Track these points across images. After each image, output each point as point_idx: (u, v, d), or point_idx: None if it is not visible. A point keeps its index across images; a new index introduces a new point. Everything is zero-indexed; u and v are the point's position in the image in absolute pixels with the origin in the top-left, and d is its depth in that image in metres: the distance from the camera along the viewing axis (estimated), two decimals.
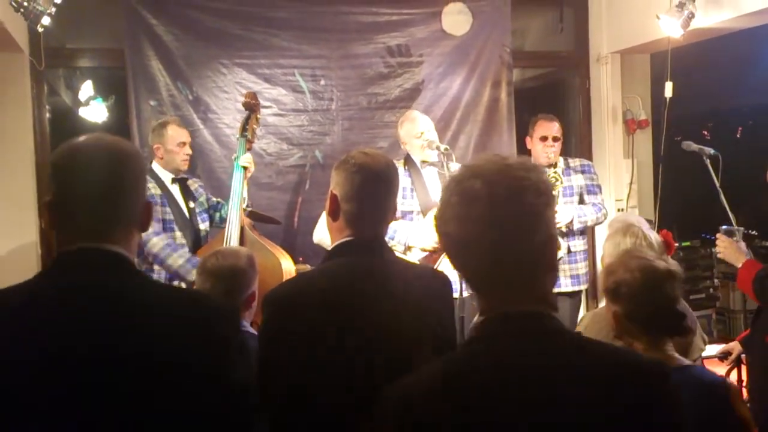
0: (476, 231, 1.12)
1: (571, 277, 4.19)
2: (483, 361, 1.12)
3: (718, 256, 3.07)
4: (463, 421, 1.06)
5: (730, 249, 2.98)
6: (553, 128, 4.04)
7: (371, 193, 1.75)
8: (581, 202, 4.19)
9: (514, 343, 1.12)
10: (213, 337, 1.25)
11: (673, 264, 1.89)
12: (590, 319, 2.30)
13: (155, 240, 3.45)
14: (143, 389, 1.18)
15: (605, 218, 4.13)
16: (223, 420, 1.24)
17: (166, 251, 3.43)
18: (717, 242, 3.06)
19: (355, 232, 1.74)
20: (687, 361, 1.86)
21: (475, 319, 1.19)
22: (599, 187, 4.35)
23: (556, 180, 3.86)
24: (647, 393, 1.08)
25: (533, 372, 1.09)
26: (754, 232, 3.16)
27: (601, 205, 4.22)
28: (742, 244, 3.00)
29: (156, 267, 3.50)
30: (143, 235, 3.46)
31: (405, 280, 1.74)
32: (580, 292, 4.33)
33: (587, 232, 4.53)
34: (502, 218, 1.11)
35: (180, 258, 3.42)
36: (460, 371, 1.12)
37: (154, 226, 3.49)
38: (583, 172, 4.28)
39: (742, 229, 3.14)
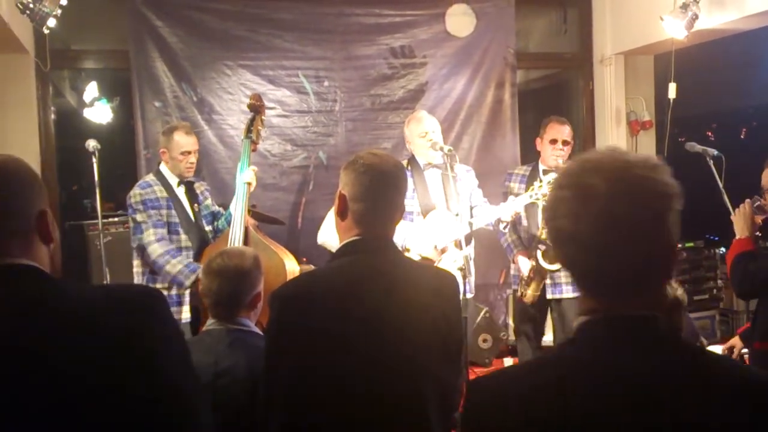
0: (591, 230, 1.05)
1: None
2: (581, 366, 1.05)
3: (732, 217, 3.05)
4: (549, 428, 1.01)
5: (742, 219, 2.96)
6: (564, 131, 4.00)
7: (379, 193, 1.76)
8: None
9: (618, 348, 1.04)
10: (140, 334, 1.21)
11: (679, 292, 1.90)
12: None
13: (155, 246, 3.46)
14: (56, 396, 1.14)
15: None
16: (153, 419, 1.19)
17: (164, 258, 3.44)
18: (740, 207, 3.02)
19: (363, 231, 1.75)
20: None
21: (578, 320, 1.12)
22: None
23: None
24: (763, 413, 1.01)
25: (638, 382, 1.02)
26: (757, 233, 3.16)
27: None
28: (758, 223, 2.99)
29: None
30: (145, 240, 3.47)
31: (412, 279, 1.75)
32: None
33: None
34: (621, 219, 1.04)
35: (179, 264, 3.43)
36: (555, 375, 1.06)
37: (157, 232, 3.49)
38: None
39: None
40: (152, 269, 3.54)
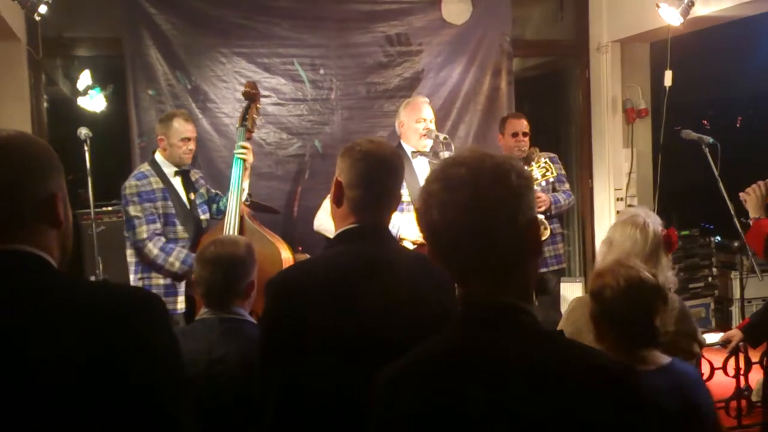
0: (459, 216, 1.13)
1: (555, 256, 4.61)
2: (444, 350, 1.17)
3: (741, 195, 3.05)
4: (414, 412, 1.11)
5: (756, 197, 2.97)
6: (523, 124, 4.45)
7: (376, 180, 1.74)
8: (554, 190, 4.54)
9: (481, 334, 1.14)
10: (126, 333, 1.15)
11: (662, 278, 1.94)
12: (577, 302, 2.34)
13: (150, 246, 3.43)
14: (45, 394, 1.11)
15: (574, 202, 4.70)
16: (142, 421, 1.15)
17: (161, 257, 3.42)
18: (752, 187, 3.02)
19: (359, 219, 1.73)
20: (668, 359, 1.88)
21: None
22: (566, 176, 4.74)
23: (547, 170, 3.91)
24: (608, 394, 1.08)
25: (493, 365, 1.10)
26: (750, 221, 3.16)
27: (570, 192, 4.64)
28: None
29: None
30: (138, 237, 3.43)
31: (408, 268, 1.74)
32: (562, 268, 4.81)
33: (563, 216, 5.03)
34: (486, 201, 1.12)
35: (176, 261, 3.42)
36: (421, 360, 1.18)
37: (150, 228, 3.45)
38: (553, 164, 4.45)
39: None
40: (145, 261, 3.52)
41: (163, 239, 3.48)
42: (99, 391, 1.12)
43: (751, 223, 2.98)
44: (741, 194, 3.06)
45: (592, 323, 1.92)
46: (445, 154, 3.61)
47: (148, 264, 3.49)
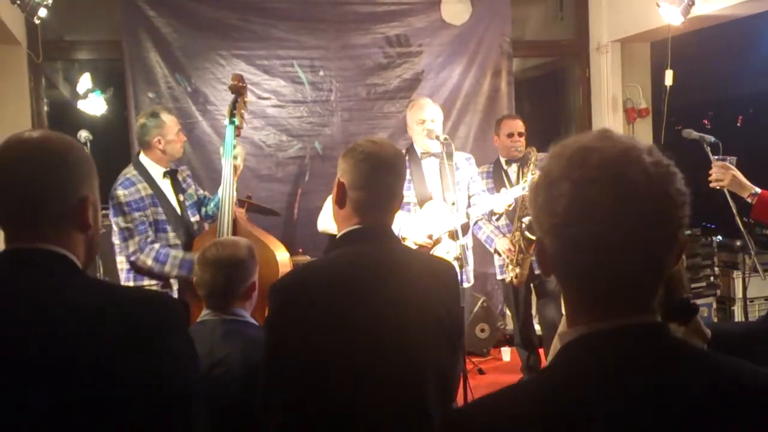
0: (594, 228, 0.91)
1: None
2: (587, 383, 0.91)
3: (715, 185, 2.99)
4: None
5: (730, 176, 2.94)
6: (518, 125, 4.34)
7: (379, 181, 1.73)
8: None
9: (632, 360, 0.91)
10: (149, 343, 1.15)
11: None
12: None
13: (143, 258, 3.27)
14: (61, 393, 1.10)
15: None
16: (154, 424, 1.15)
17: (156, 267, 3.28)
18: (714, 172, 2.99)
19: (363, 220, 1.72)
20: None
21: (562, 336, 1.00)
22: None
23: None
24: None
25: (652, 399, 0.89)
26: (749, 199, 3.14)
27: None
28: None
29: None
30: (130, 251, 3.29)
31: (412, 269, 1.73)
32: None
33: None
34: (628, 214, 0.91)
35: (173, 269, 3.29)
36: (557, 398, 0.91)
37: (141, 240, 3.28)
38: None
39: (735, 158, 3.06)
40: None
41: (156, 246, 3.31)
42: (116, 391, 1.12)
43: (751, 201, 2.93)
44: (713, 184, 3.00)
45: None
46: (453, 155, 3.62)
47: (144, 274, 3.37)
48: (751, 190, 2.91)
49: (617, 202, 0.90)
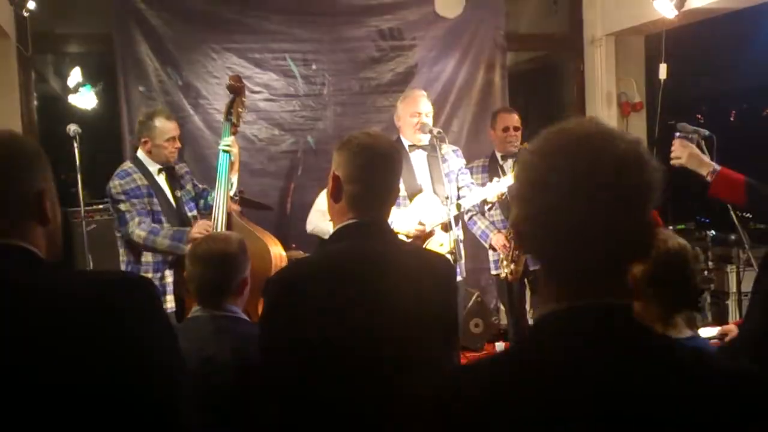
0: (570, 205, 0.94)
1: None
2: (542, 361, 0.95)
3: (675, 162, 2.81)
4: None
5: (687, 153, 2.76)
6: (514, 119, 4.29)
7: (375, 174, 1.71)
8: None
9: (586, 344, 0.94)
10: (121, 324, 1.15)
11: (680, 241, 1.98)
12: None
13: (138, 232, 3.35)
14: (36, 384, 1.10)
15: None
16: (139, 408, 1.15)
17: (149, 239, 3.35)
18: (674, 147, 2.81)
19: (358, 214, 1.70)
20: (690, 333, 1.92)
21: (537, 311, 1.06)
22: None
23: None
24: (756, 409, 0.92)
25: (605, 377, 0.92)
26: (748, 215, 3.11)
27: None
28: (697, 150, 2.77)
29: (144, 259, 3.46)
30: (130, 230, 3.35)
31: (408, 263, 1.72)
32: None
33: None
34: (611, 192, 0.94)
35: (165, 239, 3.37)
36: (510, 376, 0.95)
37: (143, 220, 3.38)
38: None
39: (704, 131, 2.89)
40: (137, 259, 3.46)
41: (149, 220, 3.41)
42: (91, 378, 1.12)
43: (709, 178, 2.72)
44: (672, 162, 2.80)
45: (634, 286, 1.88)
46: (444, 147, 3.59)
47: (141, 248, 3.42)
48: (710, 167, 2.73)
49: (584, 186, 0.94)
